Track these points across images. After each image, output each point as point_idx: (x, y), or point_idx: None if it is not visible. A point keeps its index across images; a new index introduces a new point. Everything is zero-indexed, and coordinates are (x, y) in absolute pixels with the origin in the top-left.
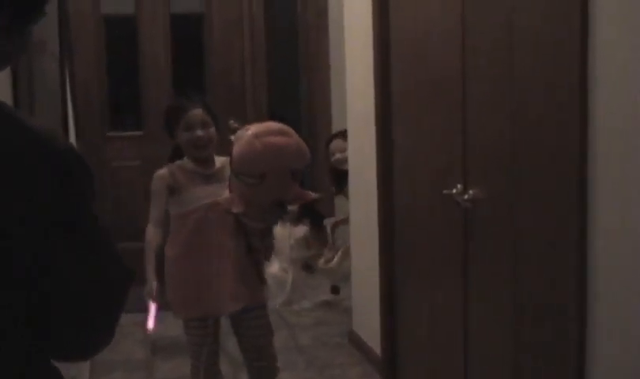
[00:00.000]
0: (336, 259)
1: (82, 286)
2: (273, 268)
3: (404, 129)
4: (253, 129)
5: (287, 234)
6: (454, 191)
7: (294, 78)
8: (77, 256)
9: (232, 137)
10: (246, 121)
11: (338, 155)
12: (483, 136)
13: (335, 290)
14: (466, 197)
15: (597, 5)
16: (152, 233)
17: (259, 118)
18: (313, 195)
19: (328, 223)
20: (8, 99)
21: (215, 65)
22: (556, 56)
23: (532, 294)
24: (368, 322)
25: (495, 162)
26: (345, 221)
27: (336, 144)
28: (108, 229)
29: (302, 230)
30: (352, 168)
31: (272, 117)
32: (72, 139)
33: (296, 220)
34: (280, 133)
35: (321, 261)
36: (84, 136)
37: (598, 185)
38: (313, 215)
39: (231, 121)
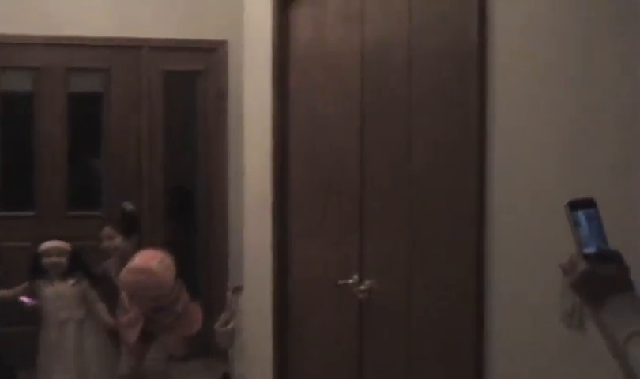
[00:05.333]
0: (232, 324)
1: None
2: None
3: (300, 216)
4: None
5: (54, 292)
6: (350, 281)
7: (191, 160)
8: None
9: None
10: (141, 203)
11: (106, 243)
12: (380, 227)
13: (226, 377)
14: (362, 287)
15: (495, 97)
16: None
17: (154, 201)
18: None
19: (230, 286)
20: None
21: (112, 145)
22: (454, 150)
23: None
24: None
25: (392, 254)
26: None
27: (105, 231)
28: None
29: (71, 287)
30: (248, 252)
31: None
32: None
33: (64, 275)
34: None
35: (217, 324)
36: None
37: (494, 282)
38: (85, 268)
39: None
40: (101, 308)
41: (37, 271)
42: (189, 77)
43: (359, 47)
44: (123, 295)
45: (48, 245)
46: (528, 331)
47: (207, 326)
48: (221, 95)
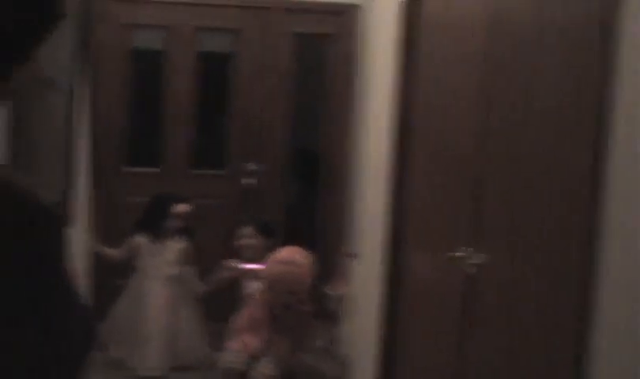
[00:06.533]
0: (343, 288)
1: (38, 349)
2: None
3: (416, 186)
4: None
5: (162, 248)
6: (460, 254)
7: (316, 123)
8: (38, 317)
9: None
10: (265, 164)
11: (246, 241)
12: (494, 203)
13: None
14: (471, 261)
15: (616, 97)
16: None
17: (277, 162)
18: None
19: (345, 251)
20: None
21: (239, 105)
22: (572, 131)
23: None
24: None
25: (505, 231)
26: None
27: (247, 230)
28: (74, 287)
29: (178, 244)
30: (364, 219)
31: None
32: (83, 173)
33: (171, 235)
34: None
35: (329, 287)
36: (100, 170)
37: (606, 265)
38: (188, 231)
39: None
40: (191, 272)
41: (156, 227)
42: (319, 40)
43: (485, 19)
44: (256, 287)
45: (183, 209)
46: (634, 318)
47: (319, 288)
48: (350, 60)
